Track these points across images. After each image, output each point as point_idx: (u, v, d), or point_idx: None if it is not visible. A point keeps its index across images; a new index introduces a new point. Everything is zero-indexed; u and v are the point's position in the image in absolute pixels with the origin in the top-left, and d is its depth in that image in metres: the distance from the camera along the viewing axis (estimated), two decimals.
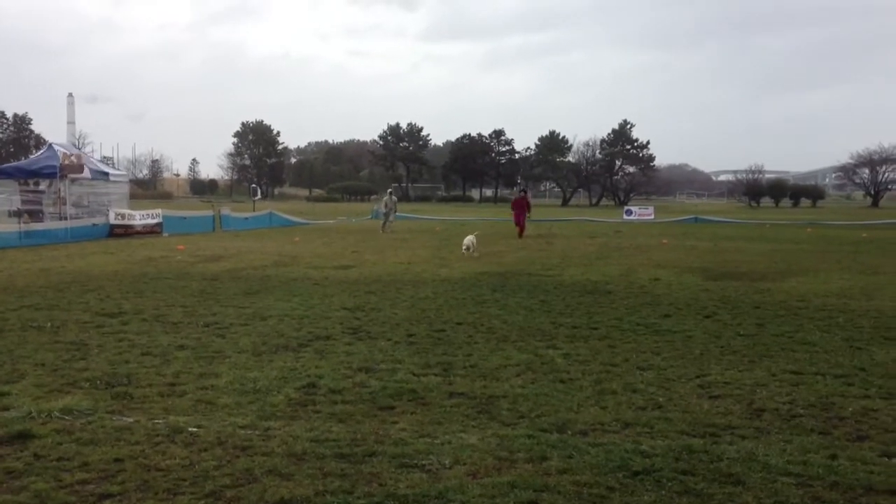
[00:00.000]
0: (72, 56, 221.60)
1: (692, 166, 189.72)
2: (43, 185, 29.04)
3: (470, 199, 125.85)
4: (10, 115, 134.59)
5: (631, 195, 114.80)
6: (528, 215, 30.01)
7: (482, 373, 7.21)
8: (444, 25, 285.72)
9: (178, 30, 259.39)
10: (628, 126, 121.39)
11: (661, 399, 6.35)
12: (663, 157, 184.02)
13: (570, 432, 5.46)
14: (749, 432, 5.52)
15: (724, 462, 4.87)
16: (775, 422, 5.78)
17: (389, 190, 38.18)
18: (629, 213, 54.10)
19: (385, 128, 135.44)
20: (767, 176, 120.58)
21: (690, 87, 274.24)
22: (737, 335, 9.25)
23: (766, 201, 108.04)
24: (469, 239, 21.27)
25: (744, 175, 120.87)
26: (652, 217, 51.42)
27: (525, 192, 33.43)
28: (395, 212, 36.19)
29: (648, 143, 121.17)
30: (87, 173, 29.81)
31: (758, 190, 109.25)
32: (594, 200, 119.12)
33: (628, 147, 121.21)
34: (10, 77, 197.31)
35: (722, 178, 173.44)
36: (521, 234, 28.74)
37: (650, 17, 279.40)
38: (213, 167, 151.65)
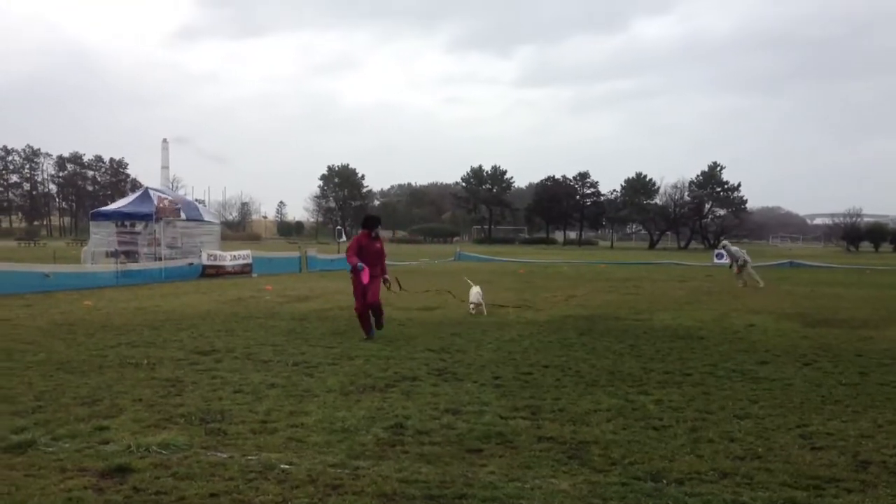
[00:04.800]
0: (169, 104, 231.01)
1: (786, 209, 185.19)
2: (139, 227, 30.16)
3: (553, 242, 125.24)
4: (107, 159, 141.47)
5: (721, 238, 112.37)
6: (385, 278, 13.05)
7: (571, 417, 7.09)
8: (536, 72, 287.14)
9: (280, 81, 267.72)
10: (718, 168, 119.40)
11: (760, 449, 6.11)
12: (755, 199, 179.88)
13: (665, 481, 5.29)
14: (855, 485, 5.25)
15: None
16: (882, 475, 5.49)
17: (724, 242, 30.84)
18: (720, 256, 52.29)
19: (468, 170, 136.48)
20: (866, 219, 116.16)
21: (782, 129, 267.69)
22: (839, 384, 8.86)
23: (865, 246, 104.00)
24: (476, 293, 16.64)
25: (841, 218, 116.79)
26: None
27: (373, 232, 13.09)
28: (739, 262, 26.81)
29: (739, 185, 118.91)
30: (181, 216, 30.86)
31: (856, 234, 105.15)
32: (682, 243, 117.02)
33: (718, 189, 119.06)
34: (109, 123, 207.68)
35: (818, 221, 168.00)
36: (363, 310, 12.48)
37: (736, 62, 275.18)
38: (300, 209, 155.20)
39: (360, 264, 12.40)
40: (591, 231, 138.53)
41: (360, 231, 13.09)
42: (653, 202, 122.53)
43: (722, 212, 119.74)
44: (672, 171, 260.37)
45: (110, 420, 6.71)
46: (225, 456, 5.68)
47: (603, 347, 11.52)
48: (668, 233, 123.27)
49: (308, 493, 4.93)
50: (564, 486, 5.14)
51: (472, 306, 16.25)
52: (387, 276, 13.12)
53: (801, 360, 10.50)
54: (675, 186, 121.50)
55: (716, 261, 50.42)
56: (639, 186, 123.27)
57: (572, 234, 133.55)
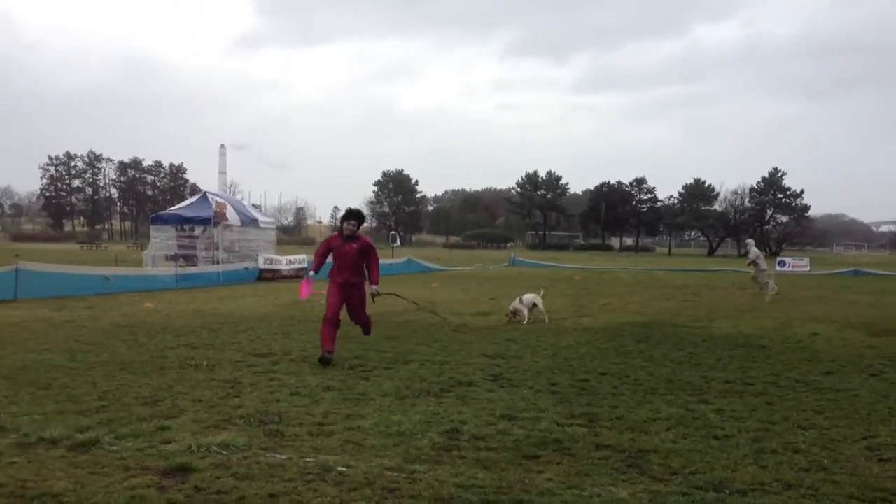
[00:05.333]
0: (227, 110, 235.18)
1: (850, 216, 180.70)
2: (198, 231, 30.68)
3: (609, 248, 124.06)
4: (166, 164, 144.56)
5: (783, 246, 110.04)
6: (371, 291, 10.60)
7: (630, 425, 6.98)
8: (592, 78, 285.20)
9: (336, 88, 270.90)
10: (779, 174, 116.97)
11: (825, 460, 5.94)
12: (819, 206, 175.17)
13: (727, 491, 5.17)
14: None
15: None
16: None
17: (749, 241, 29.97)
18: (782, 264, 51.45)
19: (523, 175, 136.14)
20: None
21: (846, 134, 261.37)
22: None
23: None
24: (525, 301, 15.72)
25: None
26: (807, 269, 48.88)
27: (346, 230, 10.53)
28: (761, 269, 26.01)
29: (802, 192, 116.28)
30: (237, 220, 31.32)
31: None
32: (742, 251, 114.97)
33: (780, 196, 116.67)
34: (168, 129, 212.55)
35: (883, 228, 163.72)
36: (330, 316, 10.24)
37: (798, 67, 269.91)
38: None
39: (311, 272, 10.75)
40: (647, 237, 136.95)
41: (346, 228, 10.57)
42: (712, 208, 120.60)
43: (784, 219, 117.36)
44: (732, 177, 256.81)
45: (171, 420, 6.81)
46: (283, 457, 5.72)
47: (661, 355, 11.34)
48: (727, 240, 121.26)
49: (365, 495, 4.93)
50: (624, 494, 5.06)
51: (509, 314, 15.62)
52: (375, 288, 10.55)
53: (868, 371, 10.20)
54: (735, 192, 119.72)
55: (778, 268, 49.43)
56: (697, 192, 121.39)
57: (629, 241, 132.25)
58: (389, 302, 19.69)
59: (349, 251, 10.42)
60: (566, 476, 5.43)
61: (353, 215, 10.73)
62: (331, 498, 4.87)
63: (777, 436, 6.69)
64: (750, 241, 29.43)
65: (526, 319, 15.39)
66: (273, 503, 4.78)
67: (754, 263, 26.16)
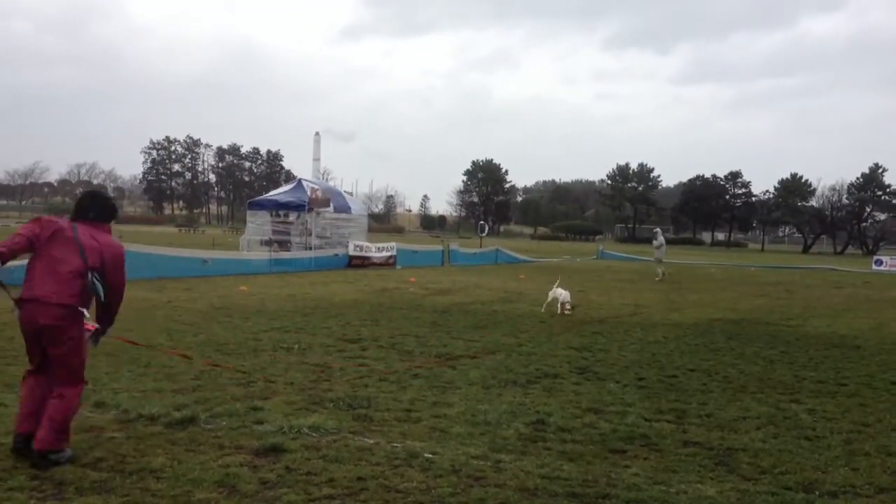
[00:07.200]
0: (325, 98, 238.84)
1: None
2: (292, 217, 31.35)
3: (700, 243, 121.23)
4: (263, 151, 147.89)
5: (881, 244, 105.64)
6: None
7: (718, 423, 6.89)
8: (693, 69, 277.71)
9: (433, 77, 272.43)
10: (880, 170, 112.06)
11: None
12: None
13: (817, 493, 5.09)
14: None
15: None
16: None
17: (657, 230, 33.74)
18: (879, 262, 49.59)
19: (614, 167, 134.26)
20: None
21: None
22: None
23: None
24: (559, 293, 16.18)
25: None
26: None
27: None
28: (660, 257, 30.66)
29: None
30: (330, 207, 31.88)
31: None
32: (839, 248, 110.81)
33: (879, 193, 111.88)
34: (267, 116, 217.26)
35: None
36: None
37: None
38: (443, 203, 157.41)
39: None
40: (740, 233, 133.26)
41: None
42: (808, 204, 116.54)
43: (882, 216, 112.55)
44: (831, 173, 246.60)
45: (264, 401, 7.03)
46: (371, 441, 5.86)
47: (752, 353, 11.11)
48: (823, 236, 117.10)
49: (451, 482, 5.02)
50: (711, 492, 5.02)
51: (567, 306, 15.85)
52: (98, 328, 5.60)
53: None
54: (832, 189, 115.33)
55: (874, 267, 47.59)
56: (794, 188, 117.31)
57: (720, 236, 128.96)
58: (478, 292, 19.85)
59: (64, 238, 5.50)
60: (653, 471, 5.42)
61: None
62: (417, 483, 4.98)
63: (870, 438, 6.52)
64: (658, 230, 32.68)
65: (545, 307, 15.95)
66: (361, 486, 4.91)
67: (657, 249, 30.25)
